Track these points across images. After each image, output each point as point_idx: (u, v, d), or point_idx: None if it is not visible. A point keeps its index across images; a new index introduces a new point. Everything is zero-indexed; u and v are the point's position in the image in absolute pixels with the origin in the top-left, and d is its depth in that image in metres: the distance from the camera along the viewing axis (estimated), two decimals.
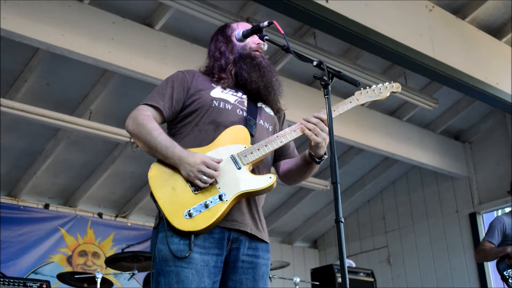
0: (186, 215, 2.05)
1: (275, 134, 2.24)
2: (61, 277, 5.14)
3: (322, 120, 2.20)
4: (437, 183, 8.37)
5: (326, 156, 2.27)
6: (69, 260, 6.92)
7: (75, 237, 7.06)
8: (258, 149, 2.18)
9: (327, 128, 2.18)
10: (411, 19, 5.62)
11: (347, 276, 1.89)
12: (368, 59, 6.46)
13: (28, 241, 6.65)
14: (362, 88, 2.36)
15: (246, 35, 2.41)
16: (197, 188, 2.09)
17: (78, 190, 7.18)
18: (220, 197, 2.08)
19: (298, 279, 5.49)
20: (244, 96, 2.39)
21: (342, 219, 1.93)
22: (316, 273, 6.36)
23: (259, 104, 2.42)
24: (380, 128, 7.24)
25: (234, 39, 2.47)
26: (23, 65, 5.55)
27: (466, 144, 8.23)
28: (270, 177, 2.15)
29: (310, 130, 2.20)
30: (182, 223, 2.04)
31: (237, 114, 2.30)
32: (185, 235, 2.05)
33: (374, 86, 2.36)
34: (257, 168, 2.26)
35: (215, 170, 2.09)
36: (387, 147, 7.22)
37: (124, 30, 5.26)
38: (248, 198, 2.21)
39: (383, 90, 2.37)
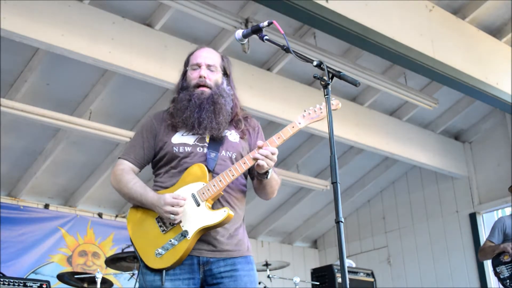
0: (156, 254, 2.33)
1: (228, 168, 2.35)
2: (61, 277, 5.14)
3: (272, 153, 2.31)
4: (437, 183, 8.36)
5: (270, 172, 2.37)
6: (69, 260, 6.92)
7: (75, 237, 7.06)
8: (214, 185, 2.33)
9: (275, 159, 2.33)
10: (411, 19, 5.62)
11: (347, 276, 1.90)
12: (368, 59, 6.45)
13: (28, 241, 6.64)
14: (304, 110, 2.42)
15: (246, 35, 2.40)
16: (164, 229, 2.34)
17: (78, 190, 7.17)
18: (183, 235, 2.31)
19: (298, 279, 5.49)
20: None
21: (342, 219, 1.94)
22: (316, 273, 6.35)
23: (224, 133, 2.49)
24: (380, 128, 7.24)
25: (187, 70, 2.52)
26: (23, 65, 5.54)
27: (466, 144, 8.23)
28: (225, 211, 2.31)
29: (261, 158, 2.29)
30: (153, 262, 2.34)
31: (197, 152, 2.42)
32: (158, 271, 2.33)
33: (318, 105, 2.41)
34: (224, 196, 2.38)
35: (180, 206, 2.29)
36: (387, 147, 7.22)
37: (124, 30, 5.26)
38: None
39: (324, 109, 2.40)
